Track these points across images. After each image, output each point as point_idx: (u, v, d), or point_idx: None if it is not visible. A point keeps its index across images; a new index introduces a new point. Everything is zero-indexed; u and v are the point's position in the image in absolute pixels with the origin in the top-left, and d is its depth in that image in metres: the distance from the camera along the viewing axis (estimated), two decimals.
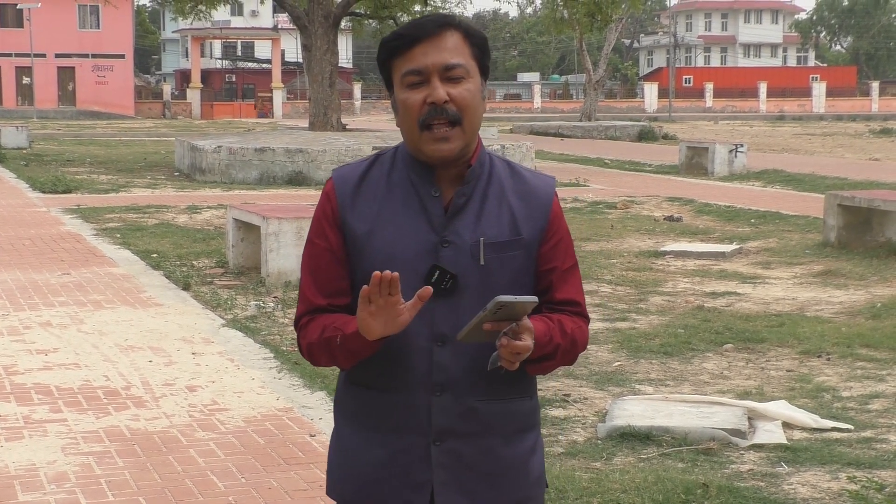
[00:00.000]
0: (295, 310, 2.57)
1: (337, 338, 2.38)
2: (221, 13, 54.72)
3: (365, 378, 2.47)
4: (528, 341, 2.28)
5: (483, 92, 2.43)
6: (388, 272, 2.23)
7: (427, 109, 2.35)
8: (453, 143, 2.36)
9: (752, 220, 15.96)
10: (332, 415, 3.18)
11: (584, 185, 21.98)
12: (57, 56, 66.95)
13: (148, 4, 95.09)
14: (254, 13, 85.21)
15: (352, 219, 2.44)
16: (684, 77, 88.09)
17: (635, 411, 6.34)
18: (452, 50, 2.36)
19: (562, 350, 2.44)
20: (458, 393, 2.41)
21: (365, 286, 2.24)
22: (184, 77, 79.87)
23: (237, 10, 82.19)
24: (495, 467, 2.46)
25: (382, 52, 2.41)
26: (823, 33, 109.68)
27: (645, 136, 42.33)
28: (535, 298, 2.27)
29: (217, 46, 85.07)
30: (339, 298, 2.46)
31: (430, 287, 2.26)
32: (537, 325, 2.36)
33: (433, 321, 2.39)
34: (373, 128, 35.22)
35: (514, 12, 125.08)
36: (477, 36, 2.41)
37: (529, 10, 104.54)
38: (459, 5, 27.79)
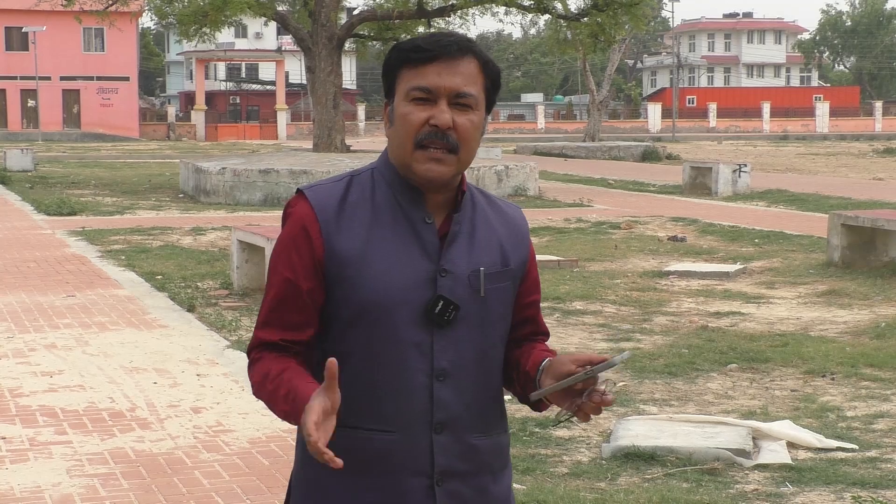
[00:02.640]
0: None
1: (289, 413, 2.19)
2: (226, 35, 54.86)
3: (346, 417, 2.21)
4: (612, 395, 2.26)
5: (484, 125, 2.32)
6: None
7: (427, 130, 2.23)
8: (445, 167, 2.24)
9: (756, 240, 15.96)
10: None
11: (588, 206, 22.01)
12: (62, 79, 67.16)
13: (152, 27, 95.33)
14: (258, 35, 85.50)
15: (340, 247, 2.26)
16: (688, 97, 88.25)
17: (640, 431, 6.35)
18: (468, 77, 2.25)
19: None
20: (457, 431, 2.30)
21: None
22: (188, 99, 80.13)
23: (241, 32, 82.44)
24: None
25: (395, 57, 2.28)
26: (826, 53, 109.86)
27: (648, 156, 42.39)
28: (629, 354, 2.26)
29: (221, 68, 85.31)
30: (294, 334, 2.29)
31: (335, 360, 2.06)
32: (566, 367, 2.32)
33: (433, 356, 2.27)
34: (377, 149, 35.26)
35: (517, 33, 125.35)
36: (493, 69, 2.31)
37: (533, 31, 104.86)
38: (463, 26, 27.82)
